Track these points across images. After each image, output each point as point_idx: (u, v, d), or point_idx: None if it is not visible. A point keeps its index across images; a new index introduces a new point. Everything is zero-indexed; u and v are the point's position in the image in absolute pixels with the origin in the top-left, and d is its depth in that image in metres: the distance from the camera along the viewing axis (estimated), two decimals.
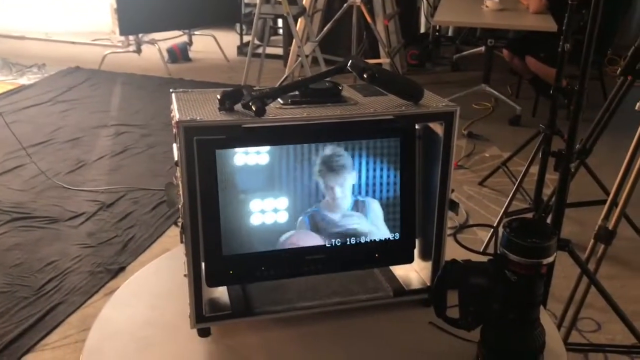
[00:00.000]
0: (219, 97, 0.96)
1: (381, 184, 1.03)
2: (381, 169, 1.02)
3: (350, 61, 1.00)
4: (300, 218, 1.00)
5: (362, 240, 1.04)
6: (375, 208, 1.03)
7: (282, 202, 0.98)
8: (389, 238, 1.05)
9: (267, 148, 0.95)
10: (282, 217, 0.99)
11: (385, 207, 1.04)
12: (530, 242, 0.85)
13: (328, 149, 0.98)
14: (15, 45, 5.90)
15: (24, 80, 4.81)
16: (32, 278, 2.36)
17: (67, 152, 3.52)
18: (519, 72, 4.31)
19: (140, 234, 2.69)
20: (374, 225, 1.04)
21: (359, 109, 0.99)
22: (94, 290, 2.31)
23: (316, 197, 1.00)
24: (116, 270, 2.42)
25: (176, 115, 0.93)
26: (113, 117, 4.13)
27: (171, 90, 1.06)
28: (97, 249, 2.57)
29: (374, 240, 1.05)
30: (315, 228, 1.01)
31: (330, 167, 0.98)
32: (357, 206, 1.02)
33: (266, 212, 0.98)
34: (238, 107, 0.95)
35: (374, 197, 1.02)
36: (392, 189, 1.03)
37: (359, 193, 1.01)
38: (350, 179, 1.00)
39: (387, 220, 1.05)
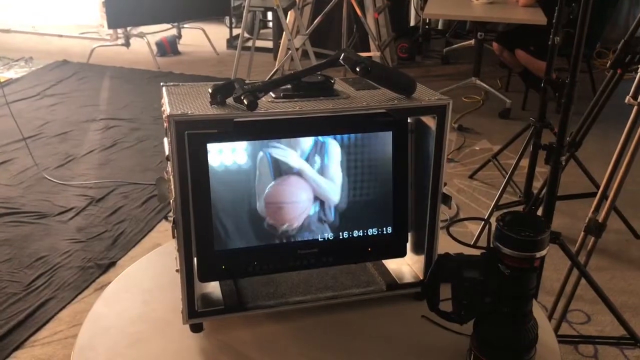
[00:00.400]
0: (210, 91, 0.95)
1: (373, 178, 1.02)
2: (373, 163, 1.02)
3: (343, 54, 1.00)
4: (261, 154, 0.97)
5: (354, 234, 1.04)
6: (333, 151, 1.00)
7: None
8: (382, 231, 1.05)
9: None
10: (242, 158, 0.96)
11: (377, 201, 1.04)
12: (524, 236, 0.85)
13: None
14: (2, 39, 5.84)
15: (11, 74, 4.76)
16: (22, 274, 2.35)
17: (55, 147, 3.49)
18: (509, 65, 4.32)
19: (131, 228, 2.67)
20: (328, 172, 1.00)
21: (351, 103, 0.99)
22: (84, 285, 2.30)
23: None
24: (106, 265, 2.41)
25: (167, 109, 0.92)
26: (102, 110, 4.10)
27: (162, 84, 1.05)
28: (87, 244, 2.55)
29: (367, 234, 1.05)
30: (277, 168, 0.98)
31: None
32: (317, 147, 0.99)
33: (223, 152, 0.94)
34: (230, 101, 0.95)
35: (367, 193, 1.02)
36: (384, 182, 1.03)
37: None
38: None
39: (379, 213, 1.04)
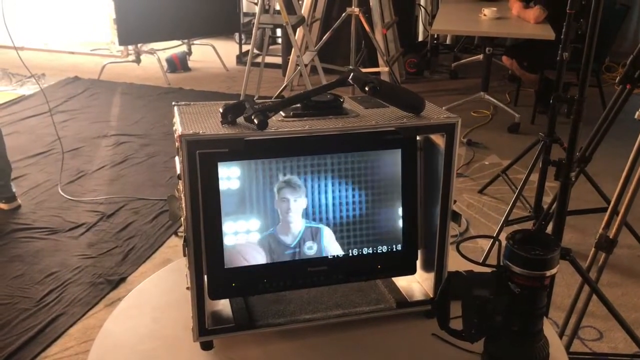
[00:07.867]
0: (221, 110, 0.96)
1: (383, 196, 1.03)
2: (382, 181, 1.02)
3: (352, 74, 1.00)
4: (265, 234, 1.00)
5: (364, 251, 1.04)
6: (327, 235, 1.02)
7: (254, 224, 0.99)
8: (392, 249, 1.05)
9: (238, 173, 0.96)
10: (254, 238, 0.99)
11: (387, 218, 1.04)
12: (534, 255, 0.85)
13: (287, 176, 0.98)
14: (15, 56, 5.90)
15: (24, 91, 4.81)
16: (33, 289, 2.36)
17: (66, 163, 3.51)
18: (522, 78, 4.33)
19: (141, 244, 2.68)
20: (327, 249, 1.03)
21: (360, 121, 1.00)
22: (95, 301, 2.31)
23: (274, 221, 1.00)
24: (117, 281, 2.42)
25: (179, 128, 0.93)
26: (113, 127, 4.13)
27: (173, 103, 1.06)
28: (98, 259, 2.57)
29: (377, 251, 1.05)
30: (269, 249, 1.00)
31: (289, 184, 0.99)
32: (311, 232, 1.01)
33: (239, 233, 0.99)
34: (240, 120, 0.96)
35: (376, 211, 1.03)
36: (393, 200, 1.03)
37: (312, 219, 1.01)
38: (302, 201, 1.00)
39: (389, 231, 1.05)
